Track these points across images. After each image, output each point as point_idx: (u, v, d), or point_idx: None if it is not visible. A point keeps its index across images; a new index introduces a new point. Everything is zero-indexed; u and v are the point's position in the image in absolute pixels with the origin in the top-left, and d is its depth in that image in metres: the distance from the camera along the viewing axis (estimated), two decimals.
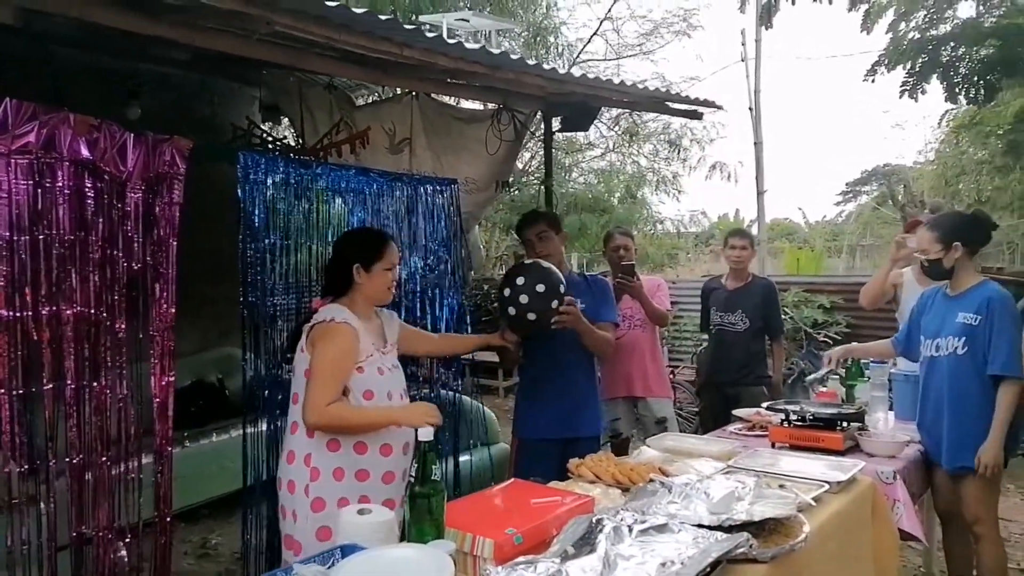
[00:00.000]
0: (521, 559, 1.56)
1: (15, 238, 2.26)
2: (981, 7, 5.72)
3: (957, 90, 5.64)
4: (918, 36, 5.66)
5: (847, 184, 25.01)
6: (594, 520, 1.71)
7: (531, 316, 2.76)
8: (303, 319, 2.51)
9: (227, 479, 3.99)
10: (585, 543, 1.63)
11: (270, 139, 4.31)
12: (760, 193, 10.90)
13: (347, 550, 1.65)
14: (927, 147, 17.20)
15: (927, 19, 5.65)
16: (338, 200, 3.41)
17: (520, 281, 2.77)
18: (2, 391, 2.24)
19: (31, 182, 2.28)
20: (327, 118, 4.56)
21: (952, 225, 2.96)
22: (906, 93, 5.64)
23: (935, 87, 5.64)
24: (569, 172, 11.02)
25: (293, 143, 4.84)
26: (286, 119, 5.48)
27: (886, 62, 5.60)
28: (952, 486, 2.96)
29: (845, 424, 2.88)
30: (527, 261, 2.97)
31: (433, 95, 4.50)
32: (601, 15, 10.77)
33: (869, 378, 3.44)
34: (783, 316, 5.34)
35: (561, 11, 10.47)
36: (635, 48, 11.07)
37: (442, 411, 2.34)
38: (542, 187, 4.94)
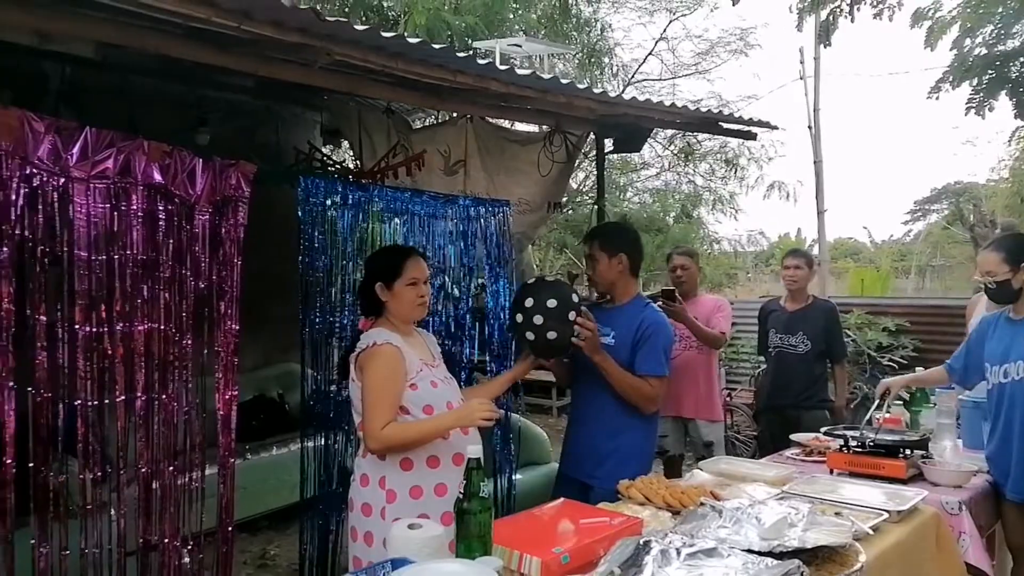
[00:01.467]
0: None
1: (93, 258, 2.40)
2: None
3: None
4: (985, 52, 5.49)
5: (915, 203, 24.22)
6: (642, 542, 1.70)
7: (551, 335, 2.57)
8: (350, 343, 2.54)
9: (286, 492, 4.11)
10: (632, 565, 1.63)
11: (330, 163, 4.46)
12: (820, 212, 10.68)
13: (397, 564, 1.68)
14: (1000, 164, 16.55)
15: (994, 34, 5.48)
16: (394, 221, 3.51)
17: (529, 303, 2.58)
18: (79, 402, 2.38)
19: (108, 205, 2.41)
20: (385, 141, 4.69)
21: (1018, 245, 2.87)
22: (972, 110, 5.47)
23: (1004, 103, 5.46)
24: (624, 192, 10.99)
25: (352, 166, 4.99)
26: (346, 142, 5.67)
27: (951, 79, 5.45)
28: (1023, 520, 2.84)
29: (908, 452, 2.79)
30: (530, 281, 2.81)
31: (488, 118, 4.58)
32: (656, 35, 10.80)
33: (935, 404, 3.34)
34: (845, 339, 5.21)
35: (616, 32, 10.53)
36: (691, 67, 11.03)
37: (491, 431, 2.31)
38: (595, 207, 4.96)
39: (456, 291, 3.70)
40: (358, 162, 4.20)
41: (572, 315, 2.59)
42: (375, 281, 2.42)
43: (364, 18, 7.26)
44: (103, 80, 3.16)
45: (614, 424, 2.80)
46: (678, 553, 1.67)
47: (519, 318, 2.61)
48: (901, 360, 7.03)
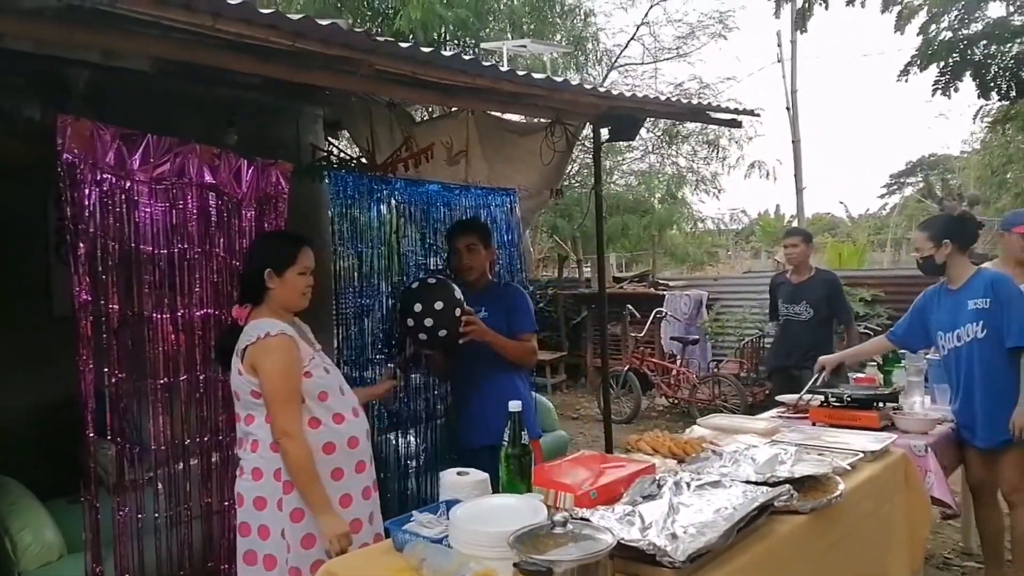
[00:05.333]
0: (600, 507, 1.89)
1: (155, 252, 2.68)
2: (1011, 6, 5.88)
3: (990, 87, 5.81)
4: (950, 36, 5.82)
5: (891, 176, 24.74)
6: (657, 478, 2.03)
7: (442, 333, 2.89)
8: (226, 328, 2.51)
9: None
10: (651, 495, 1.95)
11: (347, 157, 4.68)
12: (799, 190, 11.07)
13: (450, 504, 1.99)
14: (972, 137, 17.03)
15: (958, 19, 5.82)
16: (408, 210, 3.80)
17: (418, 308, 2.87)
18: (149, 380, 2.66)
19: (167, 204, 2.70)
20: (388, 133, 4.92)
21: (941, 225, 3.27)
22: (939, 91, 5.83)
23: (968, 83, 5.80)
24: (610, 175, 11.29)
25: (357, 159, 5.22)
26: (345, 133, 5.89)
27: (918, 62, 5.79)
28: (985, 462, 3.20)
29: (881, 404, 3.15)
30: (414, 286, 3.05)
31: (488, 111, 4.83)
32: (638, 20, 11.07)
33: (904, 365, 3.71)
34: None
35: (598, 17, 10.75)
36: (672, 51, 11.31)
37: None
38: (592, 192, 5.27)
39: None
40: (370, 155, 4.44)
41: (458, 312, 2.90)
42: (264, 267, 2.37)
43: (355, 13, 7.45)
44: (148, 86, 3.34)
45: (502, 390, 2.89)
46: (688, 485, 1.99)
47: (410, 322, 2.91)
48: (876, 328, 7.42)
